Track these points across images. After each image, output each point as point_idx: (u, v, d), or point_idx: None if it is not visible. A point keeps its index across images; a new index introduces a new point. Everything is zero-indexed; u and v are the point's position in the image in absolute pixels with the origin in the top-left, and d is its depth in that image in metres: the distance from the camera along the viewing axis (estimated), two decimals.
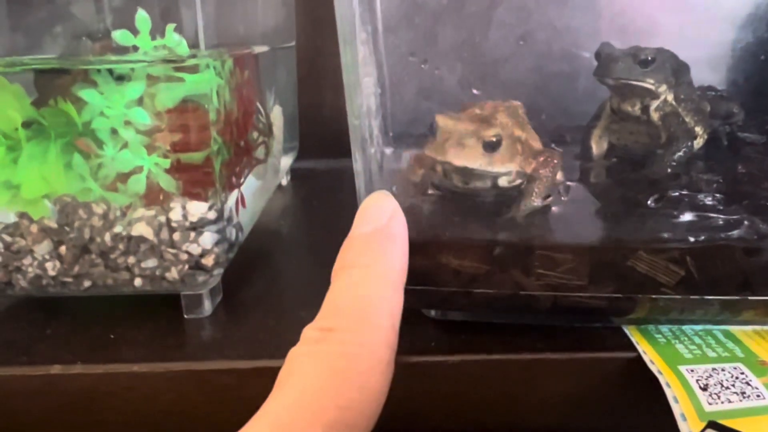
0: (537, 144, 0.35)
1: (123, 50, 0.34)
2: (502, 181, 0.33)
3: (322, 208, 0.59)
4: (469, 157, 0.32)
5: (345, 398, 0.23)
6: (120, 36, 0.34)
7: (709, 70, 0.43)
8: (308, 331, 0.26)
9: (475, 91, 0.36)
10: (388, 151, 0.37)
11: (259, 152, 0.48)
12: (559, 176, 0.35)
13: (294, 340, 0.34)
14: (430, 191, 0.36)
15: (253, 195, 0.46)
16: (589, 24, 0.42)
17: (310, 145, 0.70)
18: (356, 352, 0.24)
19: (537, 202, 0.33)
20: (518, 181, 0.34)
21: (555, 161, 0.34)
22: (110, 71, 0.34)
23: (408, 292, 0.33)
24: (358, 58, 0.32)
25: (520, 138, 0.33)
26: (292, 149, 0.66)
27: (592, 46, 0.38)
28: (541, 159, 0.34)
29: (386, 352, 0.25)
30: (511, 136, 0.32)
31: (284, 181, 0.65)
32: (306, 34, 0.71)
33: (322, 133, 0.71)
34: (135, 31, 0.33)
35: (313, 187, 0.65)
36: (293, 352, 0.25)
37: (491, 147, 0.32)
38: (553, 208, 0.34)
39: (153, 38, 0.34)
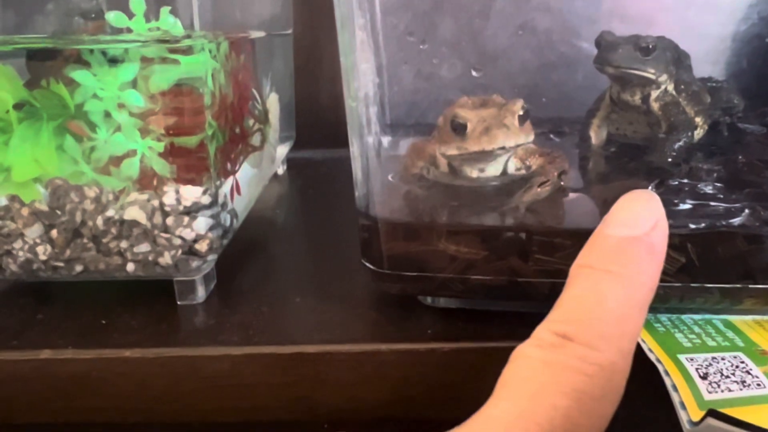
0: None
1: (117, 32, 0.33)
2: (511, 167, 0.33)
3: (318, 197, 0.58)
4: (515, 134, 0.32)
5: (573, 423, 0.21)
6: (114, 18, 0.33)
7: (709, 60, 0.43)
8: (543, 333, 0.23)
9: (474, 73, 0.36)
10: (386, 139, 0.37)
11: (255, 139, 0.47)
12: (566, 166, 0.35)
13: (288, 327, 0.34)
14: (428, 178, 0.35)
15: (248, 182, 0.45)
16: (589, 12, 0.41)
17: (307, 134, 0.69)
18: (595, 374, 0.22)
19: (542, 193, 0.34)
20: (523, 170, 0.34)
21: (560, 158, 0.34)
22: (104, 53, 0.33)
23: (404, 279, 0.33)
24: (355, 41, 0.32)
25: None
26: (289, 138, 0.66)
27: (591, 35, 0.38)
28: (548, 154, 0.34)
29: (623, 380, 0.23)
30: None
31: (280, 170, 0.64)
32: (303, 23, 0.70)
33: (318, 122, 0.71)
34: (129, 14, 0.33)
35: (309, 177, 0.65)
36: (524, 352, 0.23)
37: (522, 119, 0.32)
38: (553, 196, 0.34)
39: (148, 21, 0.33)
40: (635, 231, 0.24)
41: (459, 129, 0.32)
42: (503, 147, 0.32)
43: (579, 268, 0.24)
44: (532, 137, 0.33)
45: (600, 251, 0.24)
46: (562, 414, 0.21)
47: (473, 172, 0.34)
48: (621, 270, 0.24)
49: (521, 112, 0.32)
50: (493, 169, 0.34)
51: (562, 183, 0.35)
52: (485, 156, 0.33)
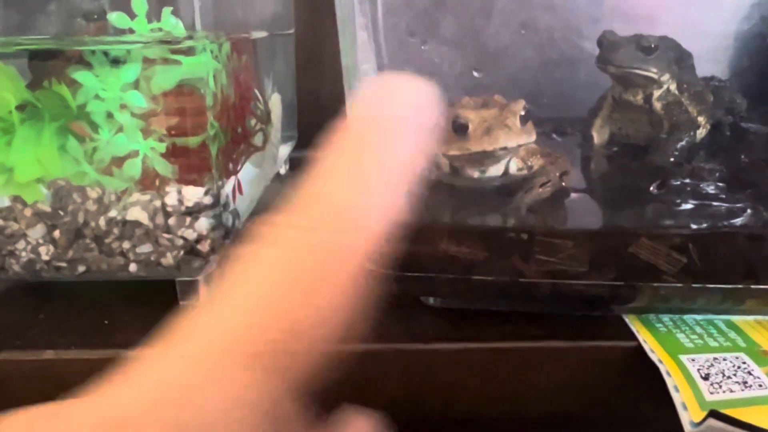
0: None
1: (119, 33, 0.33)
2: (512, 167, 0.33)
3: None
4: (516, 135, 0.32)
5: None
6: (116, 18, 0.33)
7: (711, 60, 0.43)
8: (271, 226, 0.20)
9: (475, 73, 0.36)
10: None
11: (257, 139, 0.47)
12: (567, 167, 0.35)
13: None
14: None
15: (250, 182, 0.45)
16: (592, 11, 0.41)
17: (309, 134, 0.69)
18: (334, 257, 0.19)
19: (544, 193, 0.34)
20: (525, 171, 0.34)
21: (561, 158, 0.34)
22: (106, 53, 0.33)
23: (406, 279, 0.33)
24: (356, 42, 0.32)
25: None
26: (291, 138, 0.66)
27: (594, 34, 0.38)
28: (549, 155, 0.34)
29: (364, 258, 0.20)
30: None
31: (282, 170, 0.64)
32: (305, 23, 0.70)
33: (321, 123, 0.71)
34: (131, 14, 0.33)
35: None
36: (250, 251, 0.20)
37: (524, 120, 0.32)
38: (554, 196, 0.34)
39: (149, 22, 0.33)
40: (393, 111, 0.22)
41: (460, 129, 0.32)
42: (505, 147, 0.32)
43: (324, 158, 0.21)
44: (533, 137, 0.33)
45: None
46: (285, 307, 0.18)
47: (475, 173, 0.34)
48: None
49: (523, 113, 0.32)
50: (494, 170, 0.34)
51: (563, 183, 0.35)
52: (487, 156, 0.33)
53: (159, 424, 0.16)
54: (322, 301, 0.18)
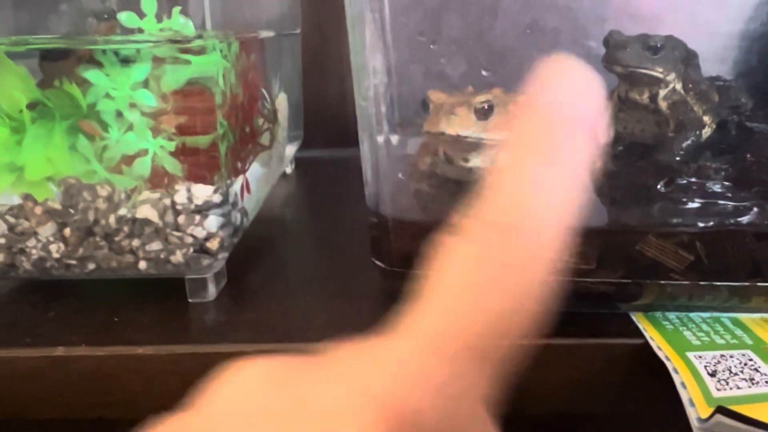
0: None
1: (128, 33, 0.33)
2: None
3: (326, 196, 0.59)
4: (462, 124, 0.32)
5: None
6: (126, 18, 0.33)
7: (717, 59, 0.43)
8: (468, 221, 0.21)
9: (484, 72, 0.36)
10: (395, 138, 0.37)
11: (264, 139, 0.48)
12: None
13: (298, 324, 0.34)
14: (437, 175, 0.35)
15: (257, 181, 0.46)
16: (598, 11, 0.41)
17: (315, 134, 0.70)
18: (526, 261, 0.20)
19: None
20: None
21: None
22: (116, 53, 0.33)
23: (414, 277, 0.33)
24: (366, 40, 0.32)
25: None
26: (297, 138, 0.66)
27: (600, 34, 0.38)
28: None
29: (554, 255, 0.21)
30: (507, 106, 0.32)
31: (288, 170, 0.64)
32: (311, 23, 0.70)
33: (326, 122, 0.71)
34: (141, 14, 0.33)
35: (317, 176, 0.65)
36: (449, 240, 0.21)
37: (483, 114, 0.32)
38: None
39: (159, 21, 0.33)
40: (571, 110, 0.22)
41: (425, 108, 0.32)
42: (443, 133, 0.32)
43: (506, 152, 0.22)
44: (492, 134, 0.32)
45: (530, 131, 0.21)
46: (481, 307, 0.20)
47: (459, 161, 0.34)
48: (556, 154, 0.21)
49: (480, 106, 0.32)
50: (478, 161, 0.34)
51: None
52: (460, 142, 0.32)
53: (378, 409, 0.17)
54: (520, 297, 0.19)
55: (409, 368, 0.19)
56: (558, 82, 0.22)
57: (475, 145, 0.33)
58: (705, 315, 0.33)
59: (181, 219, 0.35)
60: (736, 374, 0.28)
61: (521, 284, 0.20)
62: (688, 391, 0.27)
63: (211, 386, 0.21)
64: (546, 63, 0.22)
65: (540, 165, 0.21)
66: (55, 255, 0.35)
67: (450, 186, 0.35)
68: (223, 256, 0.37)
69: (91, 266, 0.35)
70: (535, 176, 0.21)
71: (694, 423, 0.25)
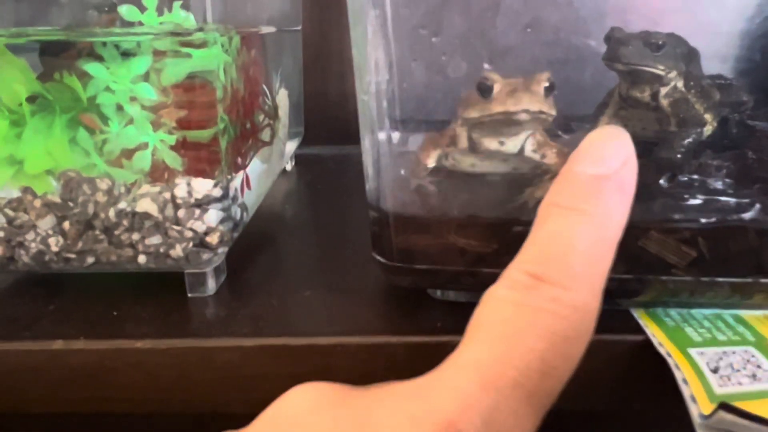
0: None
1: (129, 26, 0.33)
2: (528, 147, 0.34)
3: (326, 192, 0.59)
4: (540, 101, 0.32)
5: (548, 365, 0.21)
6: (126, 11, 0.33)
7: (718, 57, 0.43)
8: (515, 273, 0.23)
9: (486, 66, 0.36)
10: (397, 133, 0.37)
11: (265, 135, 0.48)
12: None
13: (298, 319, 0.34)
14: (441, 169, 0.35)
15: (258, 177, 0.45)
16: (598, 8, 0.41)
17: (315, 131, 0.70)
18: (569, 315, 0.22)
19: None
20: (537, 155, 0.34)
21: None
22: (116, 46, 0.33)
23: (414, 272, 0.33)
24: (368, 35, 0.32)
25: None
26: (297, 134, 0.66)
27: (601, 31, 0.38)
28: (561, 151, 0.34)
29: (594, 320, 0.23)
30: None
31: (288, 166, 0.64)
32: (312, 19, 0.70)
33: (326, 119, 0.71)
34: (141, 7, 0.33)
35: (317, 173, 0.65)
36: (496, 294, 0.23)
37: (549, 90, 0.32)
38: None
39: (160, 14, 0.33)
40: (605, 169, 0.24)
41: (485, 91, 0.32)
42: (527, 110, 0.32)
43: (549, 206, 0.24)
44: (554, 112, 0.33)
45: (570, 189, 0.24)
46: (538, 356, 0.21)
47: (492, 143, 0.34)
48: (591, 209, 0.24)
49: (547, 84, 0.32)
50: (512, 144, 0.34)
51: None
52: (508, 124, 0.33)
53: None
54: (555, 340, 0.22)
55: (459, 394, 0.21)
56: (602, 150, 0.25)
57: (516, 128, 0.33)
58: (707, 311, 0.33)
59: (181, 213, 0.35)
60: (738, 371, 0.27)
61: (556, 331, 0.21)
62: (689, 388, 0.27)
63: (276, 404, 0.22)
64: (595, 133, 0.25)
65: (592, 228, 0.23)
66: (54, 248, 0.35)
67: (455, 180, 0.35)
68: (223, 250, 0.37)
69: (91, 260, 0.35)
70: (586, 238, 0.23)
71: (696, 419, 0.25)
